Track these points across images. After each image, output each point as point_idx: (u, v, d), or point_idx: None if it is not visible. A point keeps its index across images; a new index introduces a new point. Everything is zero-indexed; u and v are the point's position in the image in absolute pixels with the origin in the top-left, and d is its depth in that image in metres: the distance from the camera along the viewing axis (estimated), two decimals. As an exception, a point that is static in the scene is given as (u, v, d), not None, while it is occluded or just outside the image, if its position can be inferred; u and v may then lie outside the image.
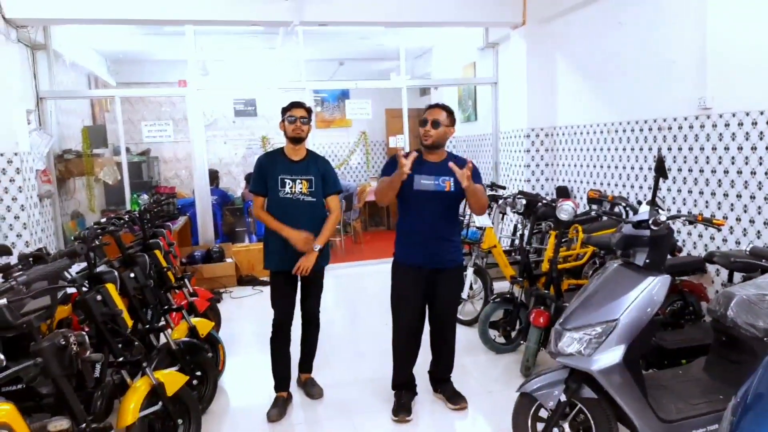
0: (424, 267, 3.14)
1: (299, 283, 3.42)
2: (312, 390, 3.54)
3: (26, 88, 5.65)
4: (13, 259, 3.41)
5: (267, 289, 3.64)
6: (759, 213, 3.81)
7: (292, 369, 3.54)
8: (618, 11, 5.05)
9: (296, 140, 3.32)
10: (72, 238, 3.42)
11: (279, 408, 3.34)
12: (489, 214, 4.99)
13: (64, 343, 2.02)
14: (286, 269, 3.31)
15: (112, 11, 5.29)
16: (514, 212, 4.68)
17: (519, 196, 4.45)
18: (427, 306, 3.28)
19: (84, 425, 2.08)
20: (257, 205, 3.38)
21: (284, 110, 3.34)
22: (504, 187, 5.80)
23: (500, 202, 5.04)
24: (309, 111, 3.35)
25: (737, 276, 3.51)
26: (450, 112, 3.14)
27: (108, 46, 8.24)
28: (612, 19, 5.12)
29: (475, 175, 3.16)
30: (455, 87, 8.78)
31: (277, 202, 3.31)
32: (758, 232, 3.82)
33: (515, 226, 5.91)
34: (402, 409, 3.23)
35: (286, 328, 3.41)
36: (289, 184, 3.30)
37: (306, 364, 3.63)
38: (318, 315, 3.54)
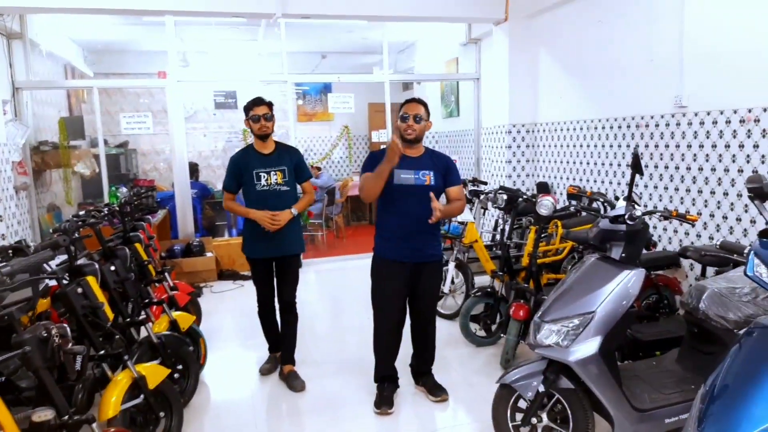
0: (406, 262, 3.17)
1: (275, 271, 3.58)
2: (294, 383, 3.56)
3: (2, 78, 5.54)
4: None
5: (248, 284, 3.67)
6: (731, 209, 3.93)
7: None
8: (599, 9, 5.12)
9: (263, 137, 3.47)
10: (50, 230, 3.38)
11: (271, 365, 3.80)
12: (470, 209, 5.05)
13: (46, 334, 2.01)
14: (263, 257, 3.52)
15: (91, 0, 5.20)
16: (495, 207, 4.74)
17: (500, 191, 4.51)
18: (407, 300, 3.31)
19: (67, 417, 2.07)
20: (227, 198, 3.60)
21: (246, 109, 3.47)
22: (485, 183, 5.86)
23: (482, 197, 5.10)
24: (270, 106, 3.47)
25: (710, 270, 3.61)
26: (426, 106, 3.19)
27: (85, 35, 8.07)
28: (593, 17, 5.20)
29: (453, 172, 3.21)
30: (438, 82, 8.82)
31: (255, 196, 3.46)
32: (731, 227, 3.94)
33: (496, 221, 5.99)
34: (384, 401, 3.26)
35: (270, 304, 3.67)
36: (264, 177, 3.46)
37: (287, 355, 3.67)
38: (294, 304, 3.64)
